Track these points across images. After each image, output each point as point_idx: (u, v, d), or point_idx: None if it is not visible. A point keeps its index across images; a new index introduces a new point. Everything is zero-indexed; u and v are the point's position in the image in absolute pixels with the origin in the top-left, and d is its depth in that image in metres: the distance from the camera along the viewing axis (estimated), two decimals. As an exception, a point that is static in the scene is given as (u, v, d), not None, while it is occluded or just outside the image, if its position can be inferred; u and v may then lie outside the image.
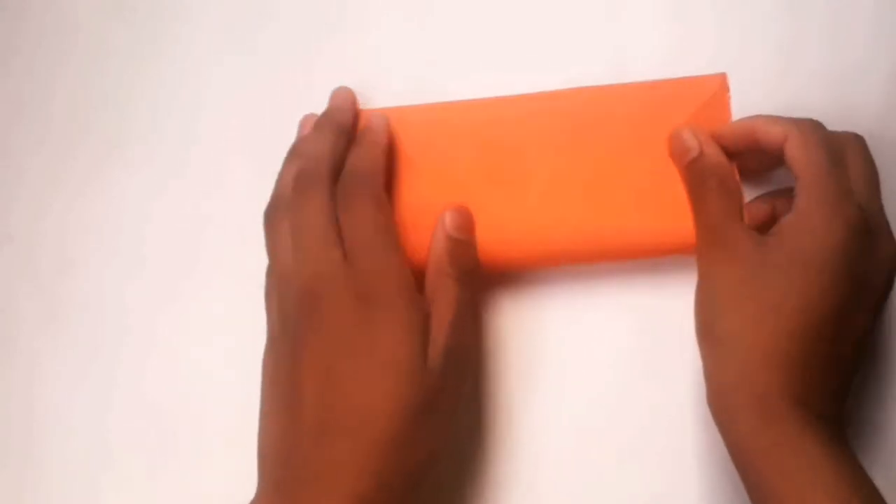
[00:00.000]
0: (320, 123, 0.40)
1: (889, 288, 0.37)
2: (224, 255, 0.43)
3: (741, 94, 0.41)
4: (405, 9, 0.43)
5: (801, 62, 0.42)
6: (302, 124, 0.41)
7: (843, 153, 0.37)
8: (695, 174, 0.38)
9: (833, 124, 0.39)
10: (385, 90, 0.42)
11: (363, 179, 0.37)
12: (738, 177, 0.38)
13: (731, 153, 0.39)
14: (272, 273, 0.38)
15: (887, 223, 0.37)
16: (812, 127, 0.37)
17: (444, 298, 0.37)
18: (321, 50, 0.43)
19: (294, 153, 0.39)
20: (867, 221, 0.36)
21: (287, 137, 0.43)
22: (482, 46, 0.43)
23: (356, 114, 0.40)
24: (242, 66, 0.44)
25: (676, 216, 0.39)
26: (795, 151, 0.37)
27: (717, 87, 0.40)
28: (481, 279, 0.40)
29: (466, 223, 0.39)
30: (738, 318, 0.36)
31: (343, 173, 0.38)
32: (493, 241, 0.39)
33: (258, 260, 0.42)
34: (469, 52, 0.43)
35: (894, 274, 0.37)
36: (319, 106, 0.43)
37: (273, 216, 0.38)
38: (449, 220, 0.38)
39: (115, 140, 0.44)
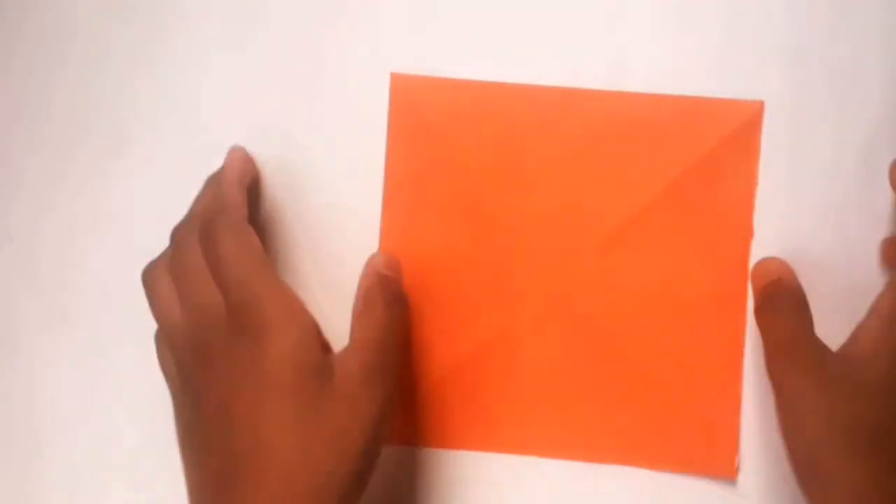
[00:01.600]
0: (206, 182, 0.40)
1: None
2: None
3: (741, 95, 0.41)
4: (407, 5, 0.43)
5: (801, 63, 0.42)
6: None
7: None
8: (769, 294, 0.38)
9: (833, 124, 0.39)
10: (385, 88, 0.42)
11: (213, 216, 0.36)
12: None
13: None
14: (160, 334, 0.38)
15: None
16: None
17: (369, 318, 0.37)
18: (322, 49, 0.43)
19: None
20: None
21: (288, 136, 0.43)
22: (482, 46, 0.43)
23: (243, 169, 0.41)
24: (243, 65, 0.43)
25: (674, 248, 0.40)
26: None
27: (751, 115, 0.40)
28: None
29: (394, 262, 0.40)
30: (841, 452, 0.34)
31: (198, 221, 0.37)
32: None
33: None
34: (469, 52, 0.43)
35: None
36: (320, 105, 0.43)
37: (150, 276, 0.38)
38: (381, 260, 0.39)
39: (116, 140, 0.44)
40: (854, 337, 0.36)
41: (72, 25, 0.44)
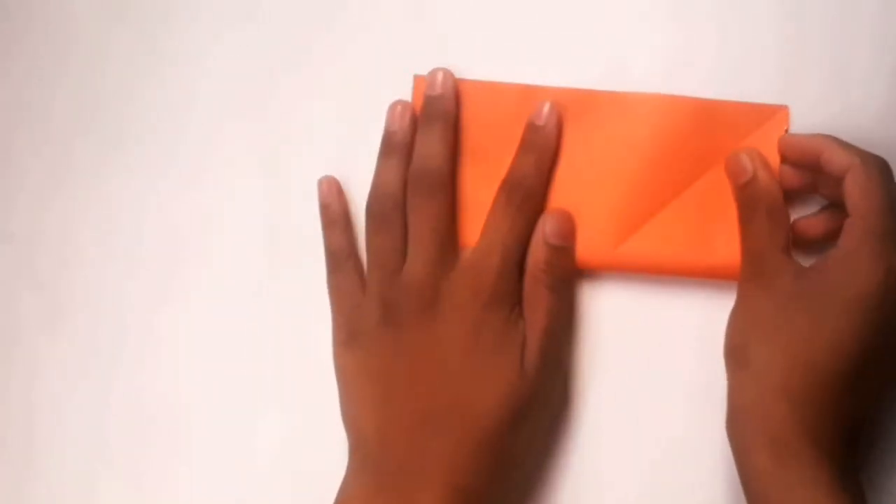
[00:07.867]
0: (428, 115, 0.40)
1: None
2: (224, 254, 0.43)
3: (742, 95, 0.41)
4: (404, 7, 0.43)
5: (802, 62, 0.42)
6: (392, 110, 0.41)
7: None
8: (746, 197, 0.38)
9: (833, 125, 0.39)
10: (384, 86, 0.42)
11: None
12: (786, 207, 0.38)
13: (795, 165, 0.39)
14: (374, 265, 0.39)
15: None
16: (879, 164, 0.36)
17: (538, 306, 0.38)
18: (322, 50, 0.43)
19: (400, 147, 0.40)
20: None
21: (288, 137, 0.43)
22: (482, 44, 0.43)
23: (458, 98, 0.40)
24: (242, 67, 0.44)
25: (706, 239, 0.39)
26: (854, 185, 0.36)
27: (776, 120, 0.40)
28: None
29: (566, 230, 0.39)
30: (768, 345, 0.36)
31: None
32: None
33: (258, 258, 0.42)
34: (469, 50, 0.43)
35: None
36: (320, 107, 0.43)
37: (382, 212, 0.39)
38: (549, 226, 0.38)
39: (116, 140, 0.44)
40: (820, 260, 0.37)
41: (72, 26, 0.44)
